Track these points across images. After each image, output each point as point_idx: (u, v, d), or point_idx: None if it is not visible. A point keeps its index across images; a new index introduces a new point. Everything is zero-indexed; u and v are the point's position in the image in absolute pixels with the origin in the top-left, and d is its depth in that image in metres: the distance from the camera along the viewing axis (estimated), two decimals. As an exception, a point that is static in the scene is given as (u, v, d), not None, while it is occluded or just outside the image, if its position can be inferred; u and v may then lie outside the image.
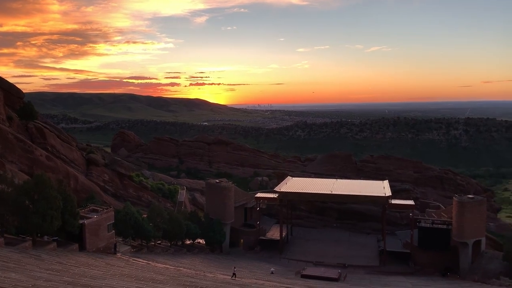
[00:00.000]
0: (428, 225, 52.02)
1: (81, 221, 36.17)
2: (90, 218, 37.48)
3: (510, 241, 43.74)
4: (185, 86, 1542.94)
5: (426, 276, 49.67)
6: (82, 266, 24.16)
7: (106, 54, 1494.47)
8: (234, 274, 33.82)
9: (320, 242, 61.50)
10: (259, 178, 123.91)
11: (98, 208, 40.29)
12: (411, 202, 56.68)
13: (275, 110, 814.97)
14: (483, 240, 50.31)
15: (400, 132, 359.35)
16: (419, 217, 56.25)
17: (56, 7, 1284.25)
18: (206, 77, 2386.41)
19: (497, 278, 42.65)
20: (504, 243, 47.96)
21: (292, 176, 73.16)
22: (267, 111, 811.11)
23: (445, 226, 51.32)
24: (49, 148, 56.60)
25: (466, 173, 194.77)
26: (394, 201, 55.20)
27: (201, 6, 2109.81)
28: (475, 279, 44.67)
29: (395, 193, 69.87)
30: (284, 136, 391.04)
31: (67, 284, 17.07)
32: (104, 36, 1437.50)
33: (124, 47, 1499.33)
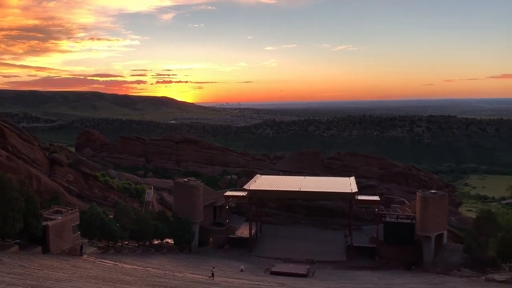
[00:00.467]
0: (393, 220, 53.37)
1: (44, 223, 35.17)
2: (54, 219, 36.47)
3: (470, 234, 45.54)
4: (152, 84, 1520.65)
5: (391, 270, 50.99)
6: (46, 269, 23.48)
7: (69, 51, 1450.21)
8: (212, 274, 33.67)
9: (289, 239, 62.05)
10: (228, 177, 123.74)
11: (63, 209, 39.25)
12: (376, 197, 58.04)
13: (244, 109, 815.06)
14: (445, 233, 52.14)
15: (366, 130, 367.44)
16: (385, 212, 57.65)
17: (15, 1, 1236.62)
18: (173, 75, 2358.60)
19: (458, 270, 44.39)
20: (465, 236, 49.86)
21: (261, 174, 73.48)
22: (235, 109, 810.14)
23: (409, 221, 52.81)
24: (10, 148, 54.52)
25: (429, 169, 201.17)
26: (360, 197, 56.33)
27: (168, 3, 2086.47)
28: (437, 271, 46.31)
29: (362, 189, 71.34)
30: (253, 134, 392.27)
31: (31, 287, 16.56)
32: (67, 33, 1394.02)
33: (88, 44, 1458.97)
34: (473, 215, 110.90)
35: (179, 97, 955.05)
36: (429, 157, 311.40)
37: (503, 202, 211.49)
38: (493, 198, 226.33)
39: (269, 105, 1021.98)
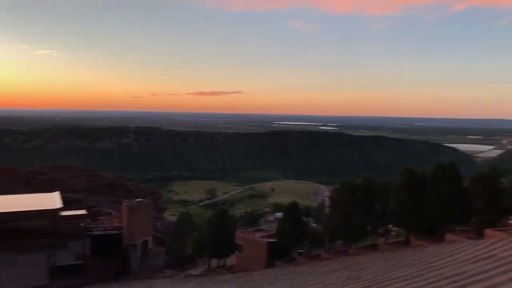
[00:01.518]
0: (100, 233, 52.43)
1: None
2: None
3: (171, 237, 49.59)
4: None
5: (99, 284, 49.89)
6: None
7: None
8: None
9: (-25, 272, 51.87)
10: None
11: None
12: (83, 211, 55.75)
13: None
14: (150, 239, 54.95)
15: (74, 141, 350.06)
16: (91, 225, 56.01)
17: None
18: None
19: (162, 271, 47.59)
20: (167, 239, 53.93)
21: None
22: None
23: (116, 231, 53.01)
24: None
25: (137, 179, 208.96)
26: (65, 213, 52.84)
27: None
28: (143, 276, 48.28)
29: (69, 204, 67.02)
30: None
31: None
32: None
33: None
34: (175, 218, 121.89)
35: None
36: (138, 167, 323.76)
37: (201, 203, 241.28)
38: (193, 201, 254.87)
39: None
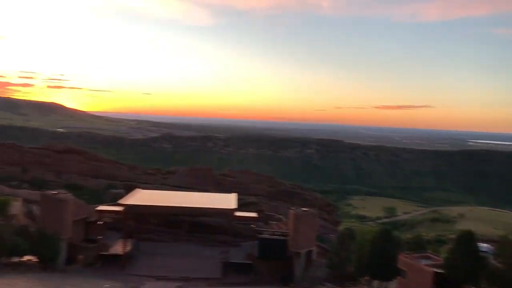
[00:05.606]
0: (267, 236, 55.19)
1: None
2: None
3: (334, 250, 48.79)
4: (41, 87, 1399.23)
5: (265, 285, 52.44)
6: None
7: None
8: None
9: (167, 256, 60.56)
10: (114, 191, 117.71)
11: None
12: (254, 214, 59.58)
13: (142, 121, 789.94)
14: (314, 250, 55.20)
15: (261, 149, 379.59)
16: (261, 228, 59.39)
17: None
18: (66, 80, 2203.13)
19: (322, 284, 47.24)
20: (329, 253, 53.36)
21: (153, 189, 71.26)
22: (133, 120, 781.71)
23: (283, 237, 55.02)
24: None
25: (315, 189, 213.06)
26: (238, 213, 57.34)
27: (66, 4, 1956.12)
28: (305, 286, 48.76)
29: (244, 206, 72.82)
30: (150, 148, 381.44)
31: None
32: None
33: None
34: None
35: (71, 104, 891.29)
36: (317, 178, 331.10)
37: (378, 221, 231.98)
38: (371, 218, 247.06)
39: (169, 119, 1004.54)
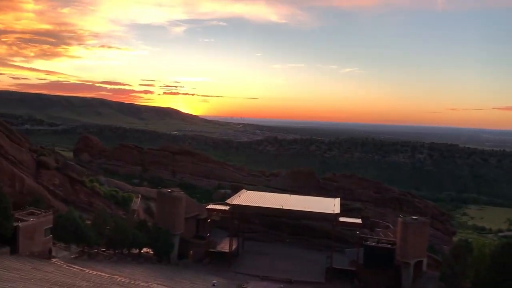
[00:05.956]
0: (373, 244, 53.06)
1: (15, 224, 35.29)
2: (26, 221, 36.57)
3: (446, 262, 45.15)
4: (159, 94, 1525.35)
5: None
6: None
7: (80, 57, 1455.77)
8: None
9: (270, 257, 61.67)
10: (222, 191, 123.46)
11: (37, 211, 39.34)
12: (358, 220, 57.71)
13: (248, 124, 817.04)
14: (425, 260, 51.71)
15: (367, 153, 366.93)
16: (366, 235, 57.32)
17: (31, 6, 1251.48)
18: (181, 86, 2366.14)
19: (433, 298, 43.98)
20: (441, 265, 49.50)
21: (256, 190, 73.36)
22: (239, 124, 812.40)
23: (389, 246, 52.45)
24: (-4, 148, 54.99)
25: (428, 197, 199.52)
26: (342, 219, 56.08)
27: (180, 17, 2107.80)
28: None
29: (348, 212, 71.11)
30: (254, 150, 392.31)
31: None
32: (78, 39, 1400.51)
33: (99, 51, 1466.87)
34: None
35: (184, 109, 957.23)
36: (430, 185, 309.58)
37: (500, 234, 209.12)
38: (490, 229, 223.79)
39: (273, 122, 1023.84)
